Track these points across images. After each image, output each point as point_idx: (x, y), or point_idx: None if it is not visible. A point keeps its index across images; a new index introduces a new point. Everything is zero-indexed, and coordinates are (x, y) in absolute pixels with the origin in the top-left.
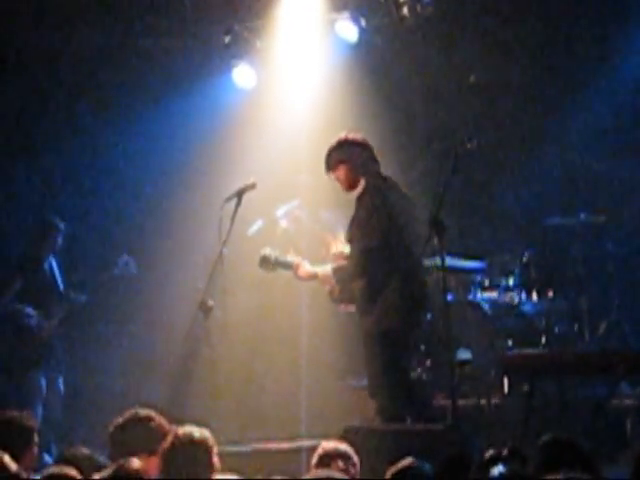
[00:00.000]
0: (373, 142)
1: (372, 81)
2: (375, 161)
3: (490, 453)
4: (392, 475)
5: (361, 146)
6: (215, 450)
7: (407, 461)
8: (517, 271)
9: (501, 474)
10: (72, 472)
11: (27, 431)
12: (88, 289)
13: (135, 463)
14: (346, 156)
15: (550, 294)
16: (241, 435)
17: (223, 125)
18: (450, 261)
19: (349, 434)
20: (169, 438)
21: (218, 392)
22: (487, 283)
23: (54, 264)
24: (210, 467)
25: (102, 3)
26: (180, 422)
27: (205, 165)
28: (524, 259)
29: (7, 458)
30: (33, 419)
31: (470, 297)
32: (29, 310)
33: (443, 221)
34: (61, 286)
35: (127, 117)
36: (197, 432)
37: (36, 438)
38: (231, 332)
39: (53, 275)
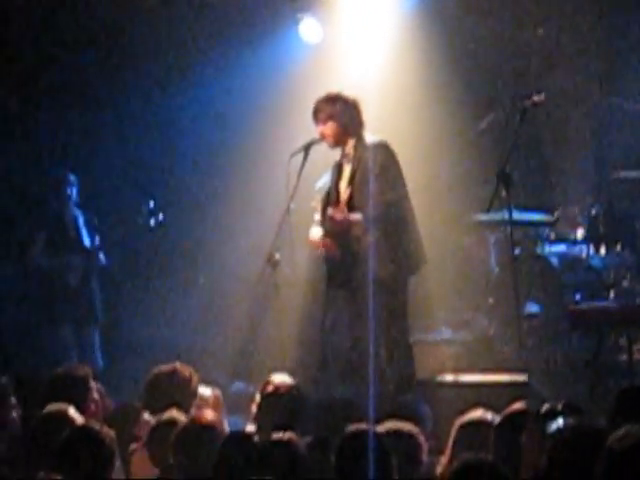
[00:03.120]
0: (441, 94)
1: (441, 33)
2: (362, 123)
3: (546, 407)
4: (460, 426)
5: (353, 106)
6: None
7: (476, 412)
8: (585, 224)
9: (559, 428)
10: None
11: (81, 381)
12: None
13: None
14: (336, 113)
15: (618, 248)
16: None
17: (289, 80)
18: (517, 214)
19: (420, 387)
20: (269, 386)
21: (285, 345)
22: (555, 236)
23: (80, 219)
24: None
25: None
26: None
27: (271, 120)
28: (592, 212)
29: (72, 410)
30: (85, 368)
31: (538, 250)
32: (57, 263)
33: (510, 174)
34: (86, 241)
35: (194, 71)
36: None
37: (93, 385)
38: (298, 286)
39: (77, 229)
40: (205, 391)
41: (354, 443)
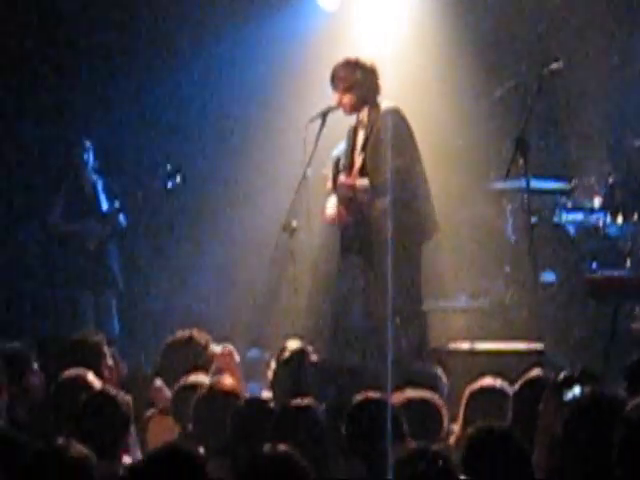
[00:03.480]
0: (458, 63)
1: (459, 5)
2: (378, 89)
3: (562, 376)
4: (470, 394)
5: (371, 72)
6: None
7: (486, 380)
8: (602, 193)
9: (576, 397)
10: None
11: (95, 347)
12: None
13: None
14: (356, 83)
15: (635, 217)
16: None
17: (306, 47)
18: (535, 182)
19: (435, 355)
20: (285, 352)
21: (301, 312)
22: (572, 205)
23: (98, 185)
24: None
25: None
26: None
27: (288, 87)
28: (610, 181)
29: (91, 376)
30: (98, 335)
31: (555, 219)
32: (75, 229)
33: (528, 141)
34: (104, 207)
35: (211, 38)
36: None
37: (106, 352)
38: (315, 252)
39: (95, 195)
40: (216, 348)
41: (363, 411)
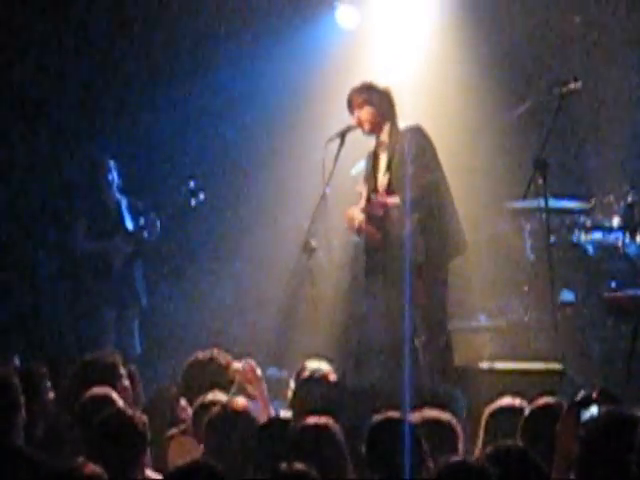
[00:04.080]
0: (477, 82)
1: (478, 20)
2: (395, 110)
3: (581, 395)
4: (490, 414)
5: (386, 94)
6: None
7: (504, 400)
8: (621, 212)
9: (592, 416)
10: None
11: (110, 368)
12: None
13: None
14: (372, 99)
15: None
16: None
17: (325, 66)
18: (553, 202)
19: (455, 374)
20: (304, 372)
21: (320, 331)
22: (591, 224)
23: (123, 203)
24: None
25: None
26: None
27: (307, 106)
28: (628, 200)
29: (115, 394)
30: (114, 355)
31: (573, 238)
32: (101, 247)
33: (547, 161)
34: (129, 225)
35: (228, 58)
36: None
37: (122, 372)
38: (334, 271)
39: (120, 213)
40: (237, 365)
41: (383, 430)
